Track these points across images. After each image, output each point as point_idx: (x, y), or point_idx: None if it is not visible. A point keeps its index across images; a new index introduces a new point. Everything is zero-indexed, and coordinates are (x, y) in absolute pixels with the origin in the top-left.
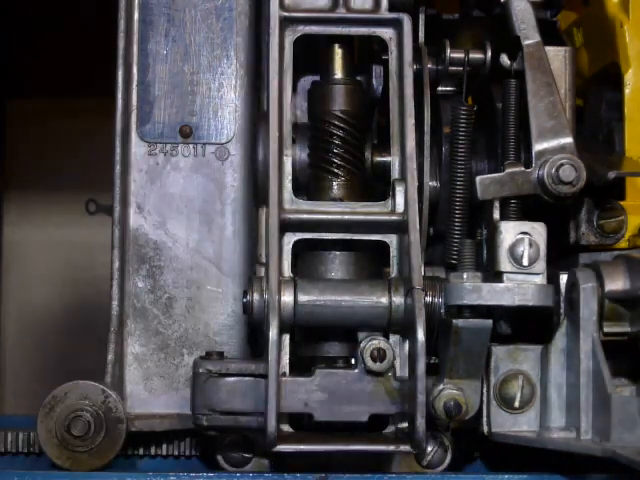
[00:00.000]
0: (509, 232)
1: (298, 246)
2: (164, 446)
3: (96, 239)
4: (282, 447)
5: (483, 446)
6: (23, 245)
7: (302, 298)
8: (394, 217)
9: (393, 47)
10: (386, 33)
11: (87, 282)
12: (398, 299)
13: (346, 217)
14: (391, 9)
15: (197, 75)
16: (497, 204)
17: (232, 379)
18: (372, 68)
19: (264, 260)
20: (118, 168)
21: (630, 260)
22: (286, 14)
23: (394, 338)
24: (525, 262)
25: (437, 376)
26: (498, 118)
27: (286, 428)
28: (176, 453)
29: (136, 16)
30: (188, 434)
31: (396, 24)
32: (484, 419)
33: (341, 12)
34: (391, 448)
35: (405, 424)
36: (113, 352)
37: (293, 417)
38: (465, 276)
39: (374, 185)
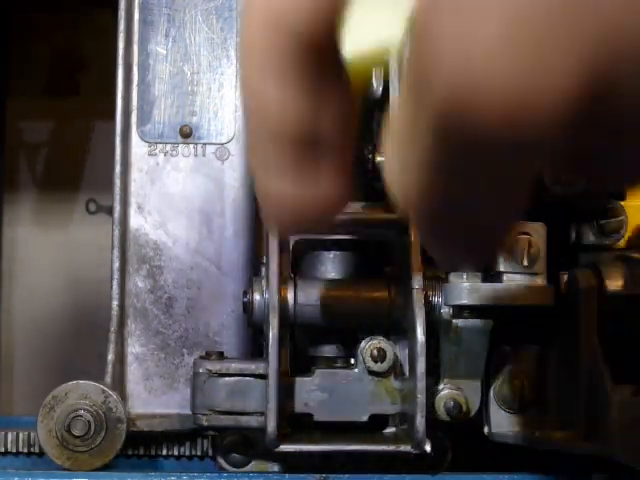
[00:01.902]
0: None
1: (298, 246)
2: (164, 446)
3: (96, 239)
4: (282, 447)
5: (483, 446)
6: (23, 245)
7: (302, 298)
8: (394, 217)
9: None
10: None
11: (87, 282)
12: (398, 299)
13: (346, 217)
14: None
15: (197, 75)
16: None
17: (232, 379)
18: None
19: (264, 260)
20: (118, 168)
21: (630, 260)
22: None
23: (394, 338)
24: (525, 262)
25: (437, 376)
26: None
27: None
28: (176, 453)
29: (136, 16)
30: (189, 435)
31: None
32: (484, 419)
33: None
34: (391, 448)
35: (405, 424)
36: (113, 352)
37: (293, 417)
38: (465, 276)
39: (374, 185)
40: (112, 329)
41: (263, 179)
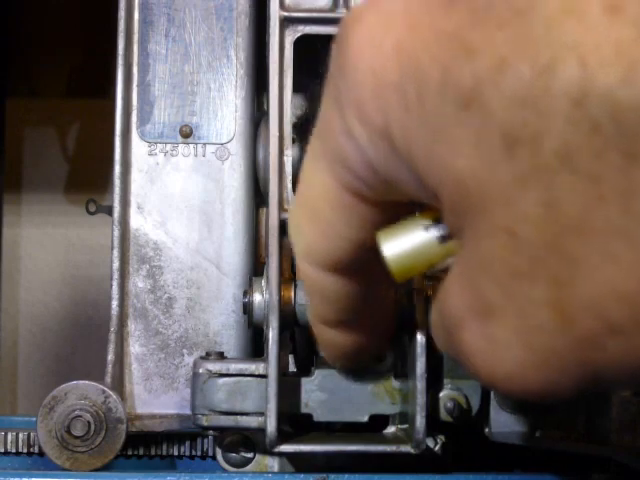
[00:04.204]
0: None
1: None
2: (164, 446)
3: (96, 239)
4: (282, 447)
5: (483, 446)
6: (23, 245)
7: (302, 298)
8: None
9: None
10: None
11: (87, 282)
12: (403, 299)
13: None
14: None
15: (197, 75)
16: None
17: (232, 379)
18: None
19: (264, 260)
20: (118, 168)
21: None
22: (286, 14)
23: (394, 338)
24: None
25: (438, 376)
26: None
27: (286, 428)
28: (176, 453)
29: (136, 16)
30: (189, 435)
31: None
32: (484, 419)
33: (342, 12)
34: (391, 448)
35: (405, 424)
36: (113, 352)
37: (293, 417)
38: None
39: None
40: (112, 329)
41: (317, 328)
